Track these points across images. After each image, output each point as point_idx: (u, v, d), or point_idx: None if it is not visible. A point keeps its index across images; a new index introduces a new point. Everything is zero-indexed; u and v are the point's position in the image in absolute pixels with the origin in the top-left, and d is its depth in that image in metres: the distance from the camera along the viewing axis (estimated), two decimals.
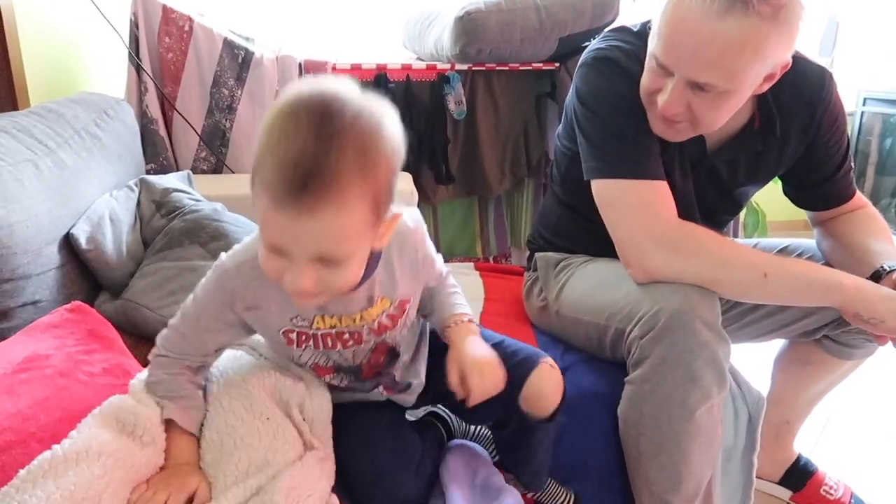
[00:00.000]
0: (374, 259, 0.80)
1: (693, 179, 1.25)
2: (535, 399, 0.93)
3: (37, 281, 1.15)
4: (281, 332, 0.84)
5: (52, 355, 0.87)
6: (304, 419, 0.88)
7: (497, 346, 0.92)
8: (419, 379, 0.98)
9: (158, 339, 0.87)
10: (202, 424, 0.86)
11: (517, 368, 0.91)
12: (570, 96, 1.25)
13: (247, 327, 0.87)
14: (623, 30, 1.22)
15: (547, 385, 0.93)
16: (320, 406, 0.90)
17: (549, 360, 0.96)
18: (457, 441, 1.07)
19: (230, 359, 0.94)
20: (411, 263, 0.87)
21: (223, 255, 0.83)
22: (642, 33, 1.18)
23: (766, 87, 1.09)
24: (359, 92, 0.69)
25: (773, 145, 1.23)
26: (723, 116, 1.10)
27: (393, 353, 0.91)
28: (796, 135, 1.23)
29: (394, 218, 0.76)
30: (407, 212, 0.84)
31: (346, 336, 0.86)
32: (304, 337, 0.85)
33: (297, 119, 0.65)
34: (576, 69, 1.23)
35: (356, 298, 0.83)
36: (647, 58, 1.10)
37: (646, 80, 1.11)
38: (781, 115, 1.19)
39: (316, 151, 0.64)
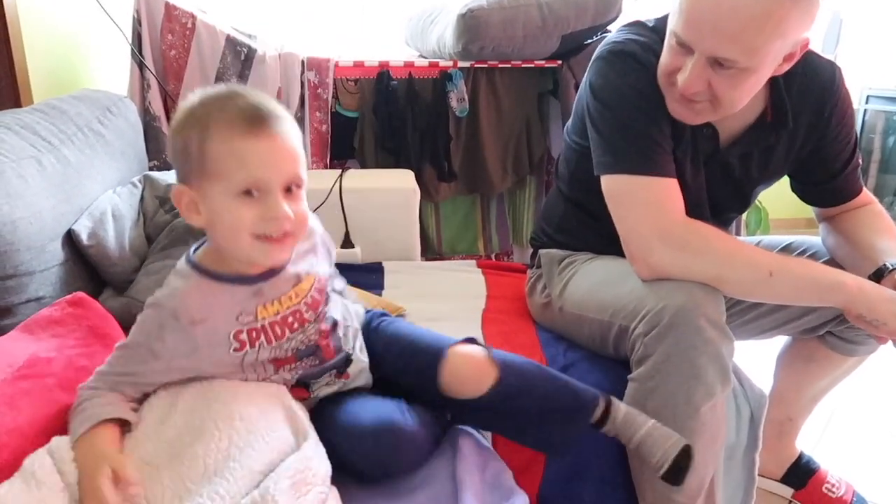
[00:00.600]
0: None
1: (705, 175, 1.25)
2: (455, 388, 0.94)
3: (40, 277, 1.15)
4: (232, 335, 0.86)
5: (54, 359, 0.86)
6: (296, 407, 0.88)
7: (415, 341, 0.99)
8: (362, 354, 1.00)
9: (80, 390, 0.85)
10: (204, 417, 0.83)
11: (427, 363, 0.95)
12: (583, 91, 1.25)
13: (186, 363, 0.85)
14: (638, 24, 1.22)
15: (461, 374, 0.94)
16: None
17: (456, 350, 0.95)
18: (464, 427, 1.05)
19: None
20: (315, 240, 0.97)
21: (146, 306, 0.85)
22: (658, 28, 1.18)
23: (785, 68, 1.09)
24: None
25: (784, 139, 1.23)
26: (743, 96, 1.09)
27: (334, 324, 0.96)
28: (806, 129, 1.23)
29: None
30: None
31: (291, 319, 0.90)
32: (254, 333, 0.87)
33: (224, 97, 0.81)
34: (590, 63, 1.23)
35: (285, 279, 0.90)
36: (667, 37, 1.09)
37: (665, 60, 1.11)
38: (793, 109, 1.19)
39: (257, 100, 0.81)
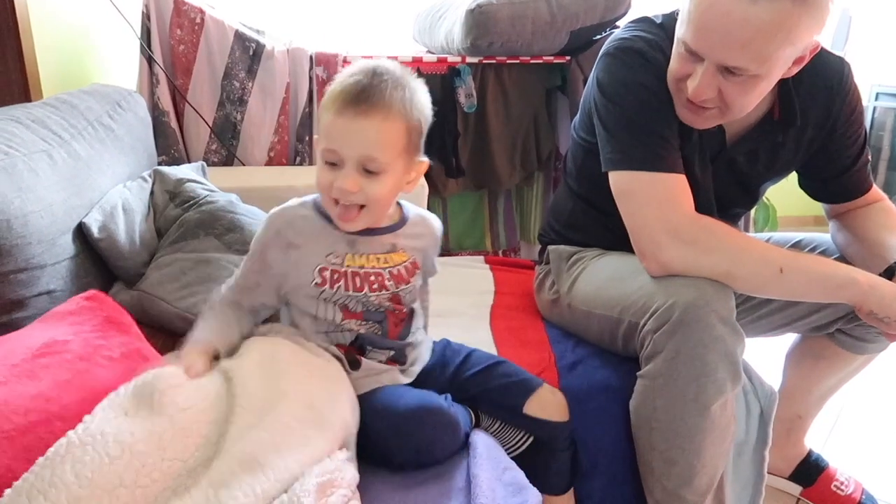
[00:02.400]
0: (402, 217, 1.04)
1: (712, 172, 1.24)
2: (539, 407, 1.04)
3: (51, 270, 1.15)
4: (317, 269, 0.97)
5: (71, 341, 0.87)
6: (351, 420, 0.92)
7: (496, 366, 1.07)
8: (420, 360, 1.09)
9: (217, 294, 1.04)
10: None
11: (520, 384, 1.05)
12: (590, 87, 1.24)
13: (281, 281, 1.00)
14: (646, 20, 1.21)
15: (550, 401, 1.06)
16: (355, 416, 0.94)
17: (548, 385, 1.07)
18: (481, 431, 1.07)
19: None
20: (429, 238, 1.08)
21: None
22: (665, 24, 1.17)
23: (794, 71, 1.09)
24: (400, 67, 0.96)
25: (792, 136, 1.22)
26: (752, 101, 1.09)
27: (411, 312, 1.06)
28: (815, 125, 1.22)
29: (421, 164, 0.99)
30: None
31: (372, 279, 0.99)
32: (336, 275, 0.98)
33: (356, 71, 0.92)
34: (597, 59, 1.23)
35: (382, 242, 1.01)
36: (675, 44, 1.09)
37: (674, 66, 1.11)
38: (802, 105, 1.19)
39: (371, 82, 0.91)
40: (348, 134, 0.90)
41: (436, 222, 1.10)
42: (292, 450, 0.82)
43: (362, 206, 0.94)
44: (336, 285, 0.98)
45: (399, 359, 1.05)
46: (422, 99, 0.97)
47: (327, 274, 0.97)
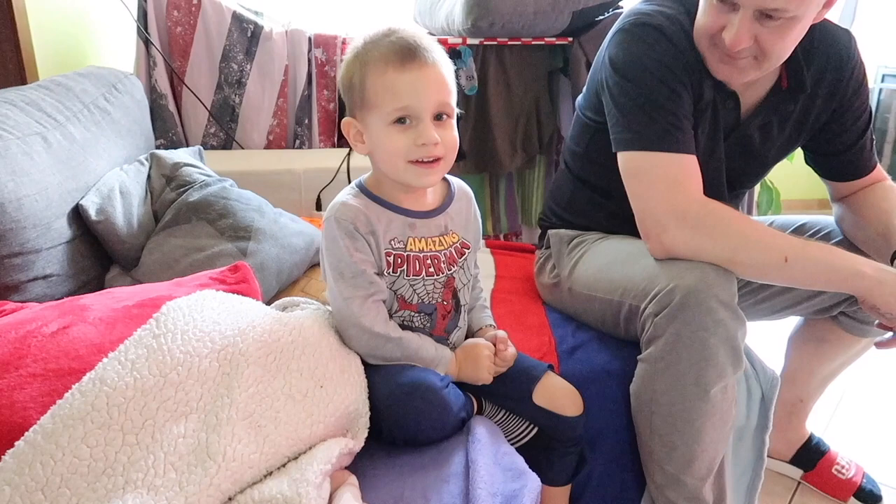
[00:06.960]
0: (448, 197, 1.03)
1: (724, 149, 1.23)
2: (548, 396, 1.03)
3: (47, 255, 1.15)
4: (384, 255, 0.96)
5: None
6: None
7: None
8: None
9: (342, 319, 0.98)
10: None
11: (526, 371, 1.05)
12: (601, 64, 1.22)
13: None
14: None
15: (559, 389, 1.05)
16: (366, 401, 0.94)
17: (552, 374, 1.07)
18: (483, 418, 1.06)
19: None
20: (465, 202, 1.06)
21: (325, 214, 0.98)
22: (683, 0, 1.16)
23: (824, 14, 1.08)
24: None
25: (802, 104, 1.21)
26: (789, 47, 1.08)
27: (457, 300, 1.04)
28: (824, 95, 1.21)
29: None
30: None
31: (429, 262, 0.99)
32: (399, 259, 0.97)
33: (380, 35, 0.91)
34: (610, 35, 1.20)
35: (438, 223, 1.01)
36: None
37: (706, 21, 1.09)
38: (811, 74, 1.18)
39: (407, 37, 0.89)
40: (422, 85, 0.89)
41: (466, 187, 1.09)
42: (291, 423, 0.82)
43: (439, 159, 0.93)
44: (399, 269, 0.97)
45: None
46: None
47: (391, 259, 0.97)
